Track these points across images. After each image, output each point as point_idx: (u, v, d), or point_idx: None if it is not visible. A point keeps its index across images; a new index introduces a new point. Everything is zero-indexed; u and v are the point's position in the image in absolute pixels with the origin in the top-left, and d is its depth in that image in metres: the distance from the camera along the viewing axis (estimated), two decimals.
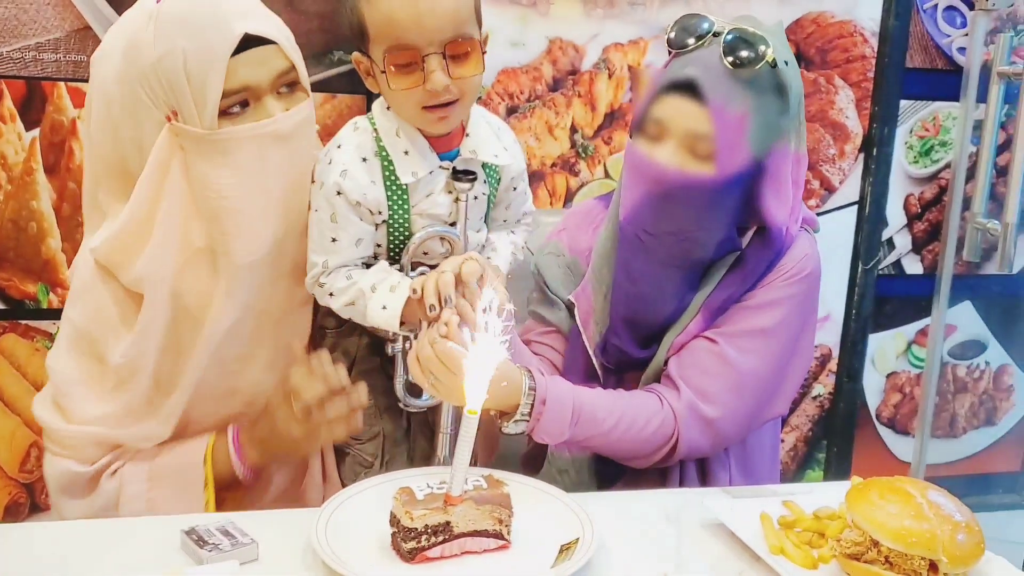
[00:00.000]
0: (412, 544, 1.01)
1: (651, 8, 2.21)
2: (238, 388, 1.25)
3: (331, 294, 1.20)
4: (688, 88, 1.19)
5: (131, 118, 1.14)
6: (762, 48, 1.18)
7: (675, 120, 1.21)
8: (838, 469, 2.58)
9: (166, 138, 1.14)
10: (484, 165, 1.23)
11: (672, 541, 1.11)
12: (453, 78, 1.12)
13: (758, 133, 1.21)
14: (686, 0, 2.21)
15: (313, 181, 1.21)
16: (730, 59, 1.18)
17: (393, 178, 1.18)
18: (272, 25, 1.16)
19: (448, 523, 1.02)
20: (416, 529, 1.00)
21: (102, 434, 1.20)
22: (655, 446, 1.25)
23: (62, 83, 2.01)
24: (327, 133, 2.16)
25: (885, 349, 2.60)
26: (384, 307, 1.16)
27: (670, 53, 1.25)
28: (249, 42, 1.11)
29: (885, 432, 2.65)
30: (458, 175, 1.20)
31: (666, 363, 1.30)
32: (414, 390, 1.26)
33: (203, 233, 1.16)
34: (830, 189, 2.45)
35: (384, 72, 1.13)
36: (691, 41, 1.21)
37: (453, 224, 1.22)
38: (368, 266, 1.22)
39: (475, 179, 1.21)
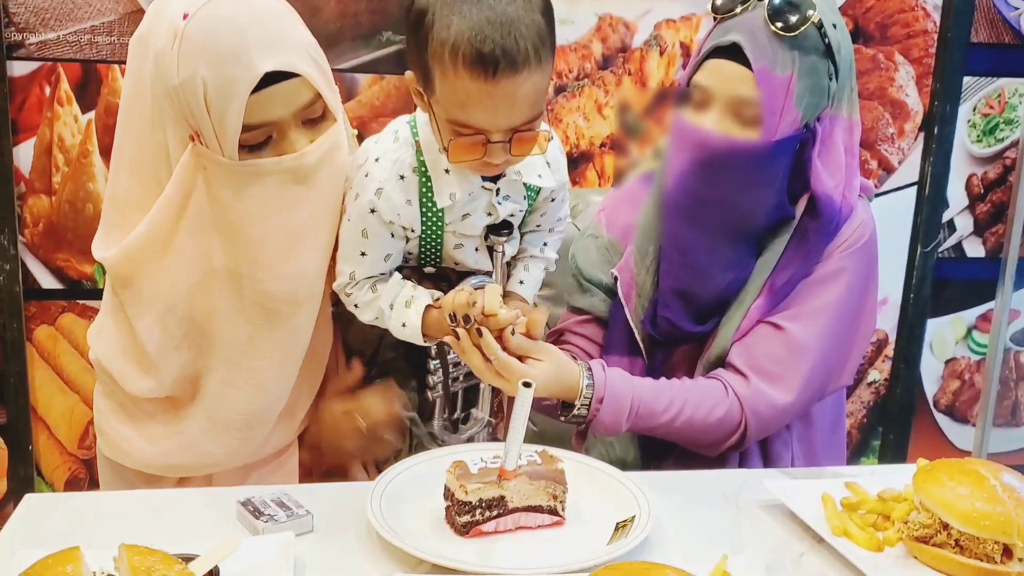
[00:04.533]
0: (467, 518, 1.00)
1: None
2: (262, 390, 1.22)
3: (356, 305, 1.19)
4: (732, 52, 1.17)
5: (159, 123, 1.11)
6: (807, 10, 1.15)
7: (720, 85, 1.19)
8: (894, 457, 2.52)
9: (189, 157, 1.10)
10: (525, 184, 1.20)
11: (730, 522, 1.08)
12: (513, 155, 1.08)
13: (806, 97, 1.18)
14: None
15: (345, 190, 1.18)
16: (774, 21, 1.15)
17: (429, 195, 1.15)
18: (297, 56, 1.08)
19: (502, 497, 1.01)
20: (470, 503, 0.99)
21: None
22: (723, 434, 1.24)
23: (116, 66, 2.03)
24: (375, 115, 2.19)
25: (944, 335, 2.52)
26: (404, 324, 1.16)
27: (714, 19, 1.22)
28: (272, 78, 1.06)
29: (943, 420, 2.58)
30: (494, 229, 1.18)
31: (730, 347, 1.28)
32: (451, 426, 1.28)
33: (223, 254, 1.14)
34: (889, 169, 2.38)
35: (445, 140, 1.07)
36: (735, 6, 1.19)
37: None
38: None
39: (511, 233, 1.19)
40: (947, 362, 2.54)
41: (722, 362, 1.28)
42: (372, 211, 1.14)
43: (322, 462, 1.26)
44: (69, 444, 2.23)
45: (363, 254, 1.16)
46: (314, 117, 1.13)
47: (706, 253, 1.26)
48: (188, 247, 1.13)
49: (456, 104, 1.05)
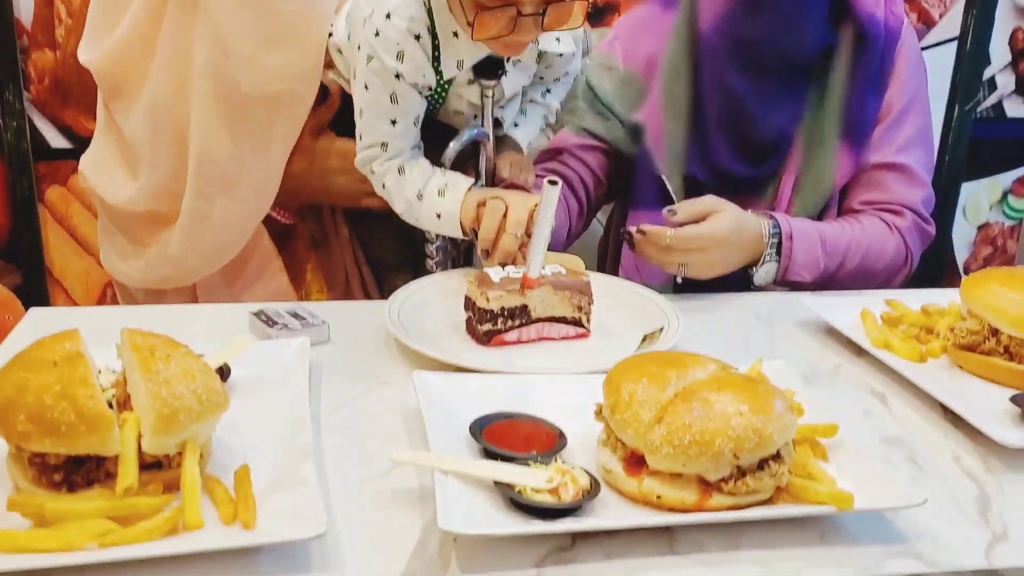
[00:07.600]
0: (488, 327, 0.95)
1: None
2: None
3: (383, 185, 1.09)
4: None
5: None
6: None
7: None
8: None
9: None
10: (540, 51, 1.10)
11: (764, 337, 1.04)
12: (546, 29, 0.97)
13: None
14: None
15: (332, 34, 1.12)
16: None
17: (438, 57, 1.05)
18: None
19: (525, 307, 0.97)
20: (492, 311, 0.95)
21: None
22: (893, 271, 1.25)
23: None
24: None
25: (978, 198, 2.44)
26: (439, 215, 1.06)
27: None
28: None
29: None
30: (482, 72, 1.06)
31: (843, 198, 1.26)
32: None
33: (203, 51, 1.08)
34: (928, 23, 2.26)
35: (469, 16, 0.96)
36: None
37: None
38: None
39: (504, 75, 1.08)
40: (980, 227, 2.47)
41: (823, 208, 1.24)
42: (398, 76, 1.03)
43: (299, 198, 1.21)
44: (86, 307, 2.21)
45: (393, 122, 1.06)
46: None
47: (753, 95, 1.19)
48: (171, 45, 1.09)
49: None
